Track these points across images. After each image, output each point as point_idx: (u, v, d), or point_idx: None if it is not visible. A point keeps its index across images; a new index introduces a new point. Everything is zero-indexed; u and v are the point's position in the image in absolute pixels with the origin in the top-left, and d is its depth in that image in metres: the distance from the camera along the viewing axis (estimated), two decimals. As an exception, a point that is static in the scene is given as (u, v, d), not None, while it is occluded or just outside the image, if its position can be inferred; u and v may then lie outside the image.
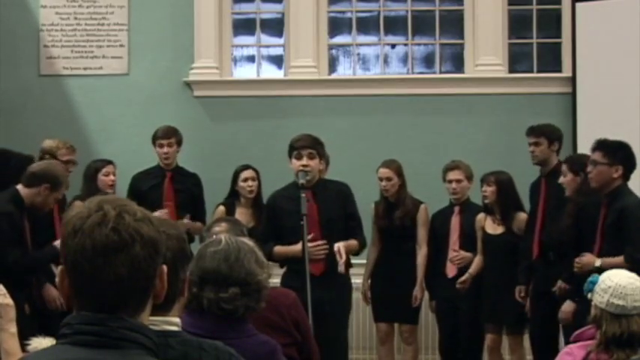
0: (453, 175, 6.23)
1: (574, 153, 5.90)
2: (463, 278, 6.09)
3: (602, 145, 5.21)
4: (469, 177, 6.25)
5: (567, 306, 5.36)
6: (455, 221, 6.25)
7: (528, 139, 6.03)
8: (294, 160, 5.56)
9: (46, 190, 5.28)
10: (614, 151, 5.15)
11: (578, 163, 5.57)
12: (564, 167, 5.64)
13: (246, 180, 6.37)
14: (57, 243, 5.36)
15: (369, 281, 6.41)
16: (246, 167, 6.44)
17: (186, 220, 6.26)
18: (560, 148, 6.03)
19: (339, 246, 5.40)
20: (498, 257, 6.04)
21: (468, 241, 6.18)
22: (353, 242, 5.58)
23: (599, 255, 5.11)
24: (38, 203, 5.32)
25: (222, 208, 6.36)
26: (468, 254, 6.16)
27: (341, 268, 5.37)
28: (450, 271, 6.20)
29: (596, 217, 5.24)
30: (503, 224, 6.05)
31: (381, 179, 6.29)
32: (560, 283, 5.54)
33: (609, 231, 5.11)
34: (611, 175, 5.13)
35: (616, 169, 5.13)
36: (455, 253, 6.16)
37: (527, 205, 6.19)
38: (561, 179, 5.64)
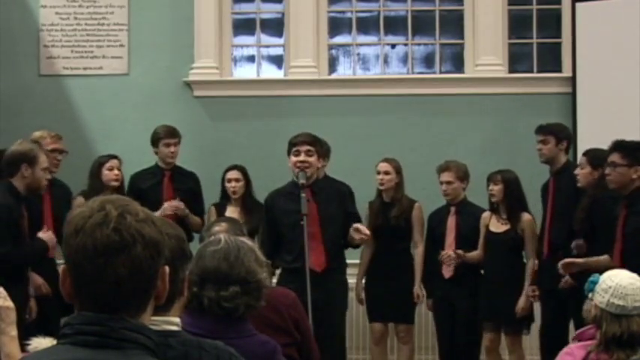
0: (443, 176, 6.24)
1: (591, 149, 5.92)
2: (454, 255, 6.05)
3: (620, 146, 5.19)
4: (461, 178, 6.23)
5: (587, 304, 5.32)
6: (451, 221, 6.25)
7: (536, 137, 6.06)
8: (292, 157, 5.58)
9: (27, 168, 5.29)
10: (633, 151, 5.14)
11: (598, 158, 5.55)
12: (583, 159, 5.66)
13: (229, 181, 6.43)
14: (41, 234, 5.38)
15: (364, 281, 6.41)
16: (232, 168, 6.50)
17: (178, 203, 6.28)
18: (569, 147, 6.05)
19: (357, 225, 5.49)
20: (500, 255, 6.04)
21: (464, 242, 6.18)
22: None
23: (623, 258, 5.03)
24: (31, 185, 5.33)
25: (212, 209, 6.43)
26: (458, 252, 6.15)
27: (359, 238, 5.49)
28: (446, 271, 6.20)
29: (609, 211, 5.22)
30: (509, 223, 6.05)
31: (378, 172, 6.30)
32: (566, 278, 5.54)
33: (635, 234, 5.06)
34: (631, 176, 5.12)
35: (635, 169, 5.12)
36: (442, 253, 6.15)
37: (535, 205, 6.19)
38: (577, 170, 5.66)
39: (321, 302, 5.11)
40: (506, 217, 6.07)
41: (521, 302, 5.99)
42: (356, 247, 5.84)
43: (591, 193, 5.52)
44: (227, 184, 6.44)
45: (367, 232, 5.53)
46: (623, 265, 4.94)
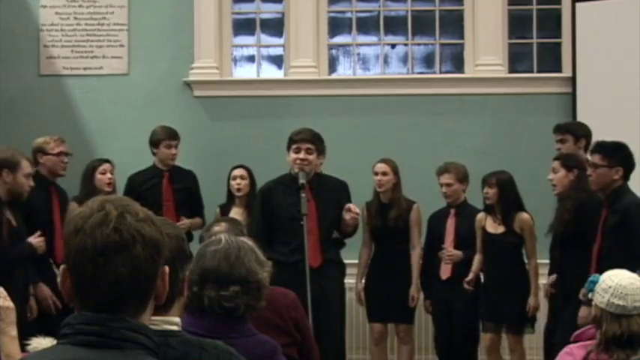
0: (443, 178, 6.24)
1: (562, 153, 5.96)
2: (469, 278, 6.07)
3: (600, 148, 5.22)
4: (461, 179, 6.23)
5: (583, 311, 5.32)
6: (450, 223, 6.25)
7: (555, 137, 6.06)
8: (291, 154, 5.58)
9: (9, 174, 5.28)
10: (613, 152, 5.17)
11: (571, 160, 5.65)
12: (556, 164, 5.70)
13: (235, 178, 6.45)
14: (31, 239, 5.38)
15: (363, 282, 6.42)
16: (238, 166, 6.53)
17: (184, 220, 6.31)
18: (588, 145, 6.00)
19: (349, 205, 5.61)
20: (499, 256, 6.04)
21: (462, 244, 6.18)
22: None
23: (600, 255, 5.11)
24: (13, 190, 5.30)
25: (217, 210, 6.45)
26: (458, 252, 6.15)
27: (351, 217, 5.62)
28: (444, 272, 6.20)
29: (597, 214, 5.24)
30: (504, 224, 6.05)
31: (376, 173, 6.29)
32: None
33: (611, 232, 5.10)
34: (612, 177, 5.14)
35: (616, 170, 5.14)
36: (444, 250, 6.15)
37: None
38: (551, 175, 5.70)
39: (319, 298, 5.12)
40: (502, 219, 6.06)
41: (532, 302, 5.99)
42: (349, 234, 5.83)
43: (575, 197, 5.54)
44: (232, 182, 6.45)
45: (357, 210, 5.62)
46: (599, 261, 4.98)
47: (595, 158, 5.18)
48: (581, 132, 6.05)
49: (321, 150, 5.70)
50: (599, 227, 5.18)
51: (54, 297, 5.60)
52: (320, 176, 5.80)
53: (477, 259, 6.13)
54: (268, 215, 5.68)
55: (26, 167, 5.38)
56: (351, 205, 5.62)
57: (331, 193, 5.73)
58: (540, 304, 6.08)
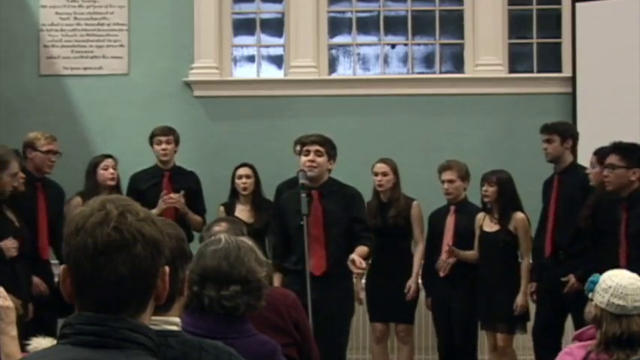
0: (445, 175, 6.23)
1: (601, 148, 5.91)
2: (453, 248, 6.06)
3: (618, 148, 5.19)
4: (463, 177, 6.24)
5: (589, 307, 5.30)
6: (450, 221, 6.25)
7: (541, 137, 6.05)
8: (302, 157, 5.55)
9: None
10: (630, 153, 5.15)
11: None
12: (593, 159, 5.65)
13: (240, 177, 6.46)
14: (2, 243, 5.30)
15: (364, 281, 6.41)
16: (243, 165, 6.52)
17: (182, 194, 6.29)
18: (575, 145, 6.01)
19: (353, 257, 5.25)
20: (492, 255, 6.05)
21: (461, 241, 6.17)
22: (364, 249, 5.42)
23: (628, 260, 5.01)
24: None
25: (221, 208, 6.43)
26: (451, 260, 6.13)
27: (355, 272, 5.36)
28: (442, 270, 6.20)
29: (612, 211, 5.22)
30: (500, 223, 6.06)
31: (376, 174, 6.29)
32: (572, 280, 5.51)
33: (637, 236, 5.04)
34: (629, 178, 5.13)
35: (634, 171, 5.13)
36: (441, 259, 6.12)
37: (534, 204, 6.17)
38: (589, 169, 5.66)
39: (320, 306, 5.00)
40: (498, 218, 6.07)
41: (520, 300, 6.00)
42: (366, 258, 5.58)
43: (598, 192, 5.52)
44: (237, 181, 6.45)
45: (363, 266, 5.32)
46: (628, 267, 4.93)
47: (612, 159, 5.16)
48: (568, 132, 6.04)
49: (331, 154, 5.61)
50: (621, 232, 5.14)
51: (42, 283, 5.63)
52: (332, 184, 5.67)
53: (472, 252, 6.13)
54: (283, 227, 5.59)
55: (14, 168, 5.36)
56: (355, 259, 5.25)
57: (341, 200, 5.61)
58: (529, 304, 6.07)
